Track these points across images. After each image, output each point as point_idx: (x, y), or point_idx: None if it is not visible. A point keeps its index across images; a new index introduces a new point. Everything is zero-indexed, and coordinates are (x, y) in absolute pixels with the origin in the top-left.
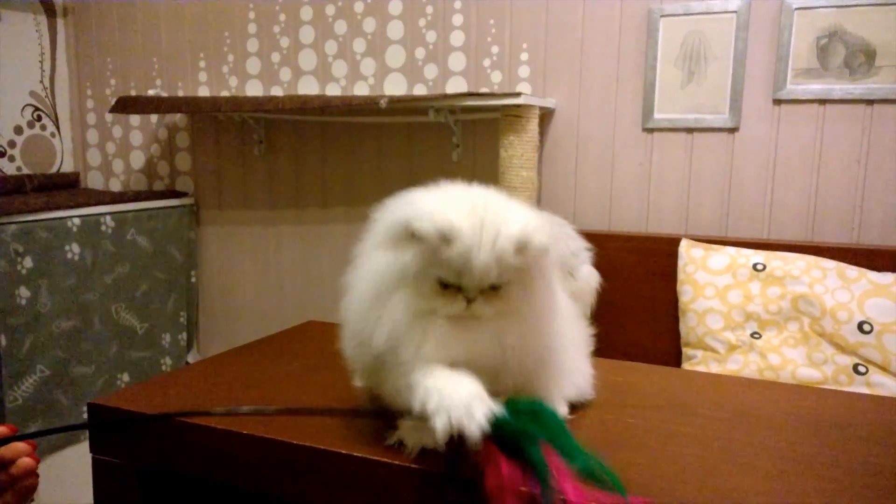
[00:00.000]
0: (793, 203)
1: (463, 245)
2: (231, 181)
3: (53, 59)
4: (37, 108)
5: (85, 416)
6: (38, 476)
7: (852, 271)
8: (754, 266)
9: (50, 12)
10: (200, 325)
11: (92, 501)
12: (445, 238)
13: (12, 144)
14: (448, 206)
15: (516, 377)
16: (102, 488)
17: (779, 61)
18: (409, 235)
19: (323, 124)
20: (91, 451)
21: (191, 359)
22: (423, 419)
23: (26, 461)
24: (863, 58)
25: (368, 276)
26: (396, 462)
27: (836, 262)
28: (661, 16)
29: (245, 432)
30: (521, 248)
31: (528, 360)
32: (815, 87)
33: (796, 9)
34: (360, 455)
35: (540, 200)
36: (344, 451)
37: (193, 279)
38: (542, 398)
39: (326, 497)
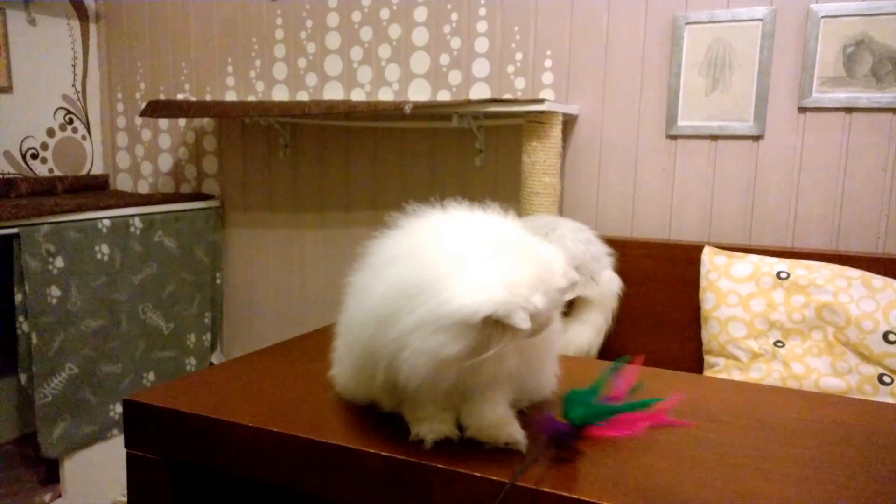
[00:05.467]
0: (818, 211)
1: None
2: (256, 184)
3: (86, 63)
4: (69, 112)
5: (111, 414)
6: None
7: (878, 281)
8: (778, 274)
9: (83, 17)
10: (224, 325)
11: (119, 497)
12: (531, 316)
13: (45, 146)
14: (509, 276)
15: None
16: (136, 483)
17: (804, 69)
18: (487, 323)
19: (347, 129)
20: (126, 446)
21: (215, 359)
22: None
23: None
24: (890, 66)
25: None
26: (423, 461)
27: (861, 271)
28: (686, 23)
29: (276, 430)
30: (568, 289)
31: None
32: (841, 96)
33: (823, 17)
34: (389, 454)
35: (562, 206)
36: (373, 451)
37: (218, 280)
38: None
39: (356, 495)
